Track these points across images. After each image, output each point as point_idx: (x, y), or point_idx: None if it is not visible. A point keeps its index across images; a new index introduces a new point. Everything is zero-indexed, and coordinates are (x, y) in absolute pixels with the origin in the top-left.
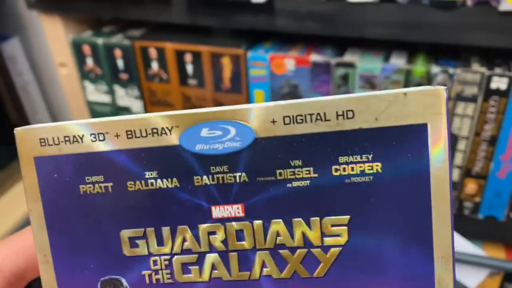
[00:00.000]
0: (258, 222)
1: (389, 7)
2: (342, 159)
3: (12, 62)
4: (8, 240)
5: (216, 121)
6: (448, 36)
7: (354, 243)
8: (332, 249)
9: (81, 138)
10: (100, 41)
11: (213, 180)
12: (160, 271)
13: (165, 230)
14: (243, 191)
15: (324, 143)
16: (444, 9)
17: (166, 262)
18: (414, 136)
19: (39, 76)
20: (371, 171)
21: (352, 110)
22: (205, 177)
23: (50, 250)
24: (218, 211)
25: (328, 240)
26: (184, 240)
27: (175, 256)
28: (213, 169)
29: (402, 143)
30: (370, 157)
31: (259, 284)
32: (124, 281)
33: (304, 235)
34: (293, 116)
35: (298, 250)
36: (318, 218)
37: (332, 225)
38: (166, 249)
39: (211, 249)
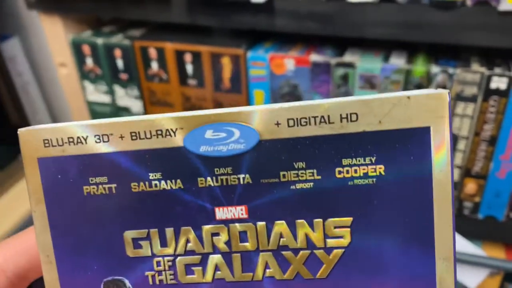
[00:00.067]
0: (261, 224)
1: (389, 7)
2: (345, 161)
3: (12, 62)
4: (10, 240)
5: (220, 123)
6: (448, 36)
7: (356, 244)
8: (335, 251)
9: (85, 140)
10: (100, 41)
11: (217, 181)
12: (163, 272)
13: (169, 231)
14: (246, 193)
15: (328, 145)
16: (444, 9)
17: (170, 263)
18: (417, 139)
19: (39, 76)
20: (374, 174)
21: (356, 113)
22: (209, 178)
23: (53, 250)
24: (221, 213)
25: (331, 242)
26: (187, 241)
27: (179, 257)
28: (217, 171)
29: (405, 146)
30: (373, 159)
31: (262, 285)
32: (127, 281)
33: (307, 236)
34: (297, 118)
35: (301, 252)
36: (321, 220)
37: (335, 227)
38: (170, 250)
39: (215, 250)
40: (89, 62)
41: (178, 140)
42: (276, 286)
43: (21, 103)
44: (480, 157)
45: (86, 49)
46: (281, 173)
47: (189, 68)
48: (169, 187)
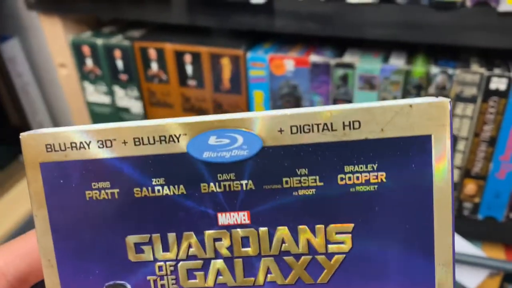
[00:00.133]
0: (263, 229)
1: (388, 8)
2: (347, 168)
3: (11, 63)
4: (11, 244)
5: (224, 129)
6: (447, 36)
7: (357, 250)
8: (336, 256)
9: (88, 145)
10: (99, 41)
11: (219, 187)
12: (165, 277)
13: (171, 236)
14: (249, 199)
15: (330, 152)
16: (443, 10)
17: (172, 268)
18: (418, 147)
19: (38, 77)
20: (375, 181)
21: (358, 121)
22: (212, 184)
23: (54, 255)
24: (224, 218)
25: (332, 247)
26: (189, 246)
27: (181, 262)
28: (220, 177)
29: (406, 154)
30: (375, 167)
31: None
32: (129, 286)
33: (308, 242)
34: (300, 125)
35: (303, 257)
36: (323, 226)
37: (337, 233)
38: (172, 254)
39: (217, 255)
40: (89, 62)
41: (181, 146)
42: None
43: (21, 104)
44: (479, 158)
45: (86, 49)
46: (284, 179)
47: (189, 69)
48: (171, 193)
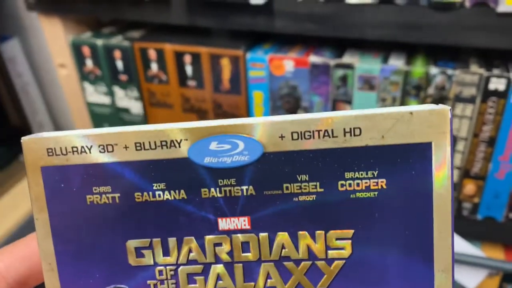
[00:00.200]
0: (263, 235)
1: (387, 8)
2: (348, 175)
3: (11, 63)
4: (11, 247)
5: (225, 135)
6: (446, 37)
7: (357, 256)
8: (336, 262)
9: (89, 149)
10: (99, 42)
11: (220, 192)
12: (165, 281)
13: (171, 241)
14: (249, 204)
15: (331, 159)
16: (443, 10)
17: (172, 272)
18: (418, 154)
19: (38, 77)
20: (376, 187)
21: (359, 128)
22: (212, 189)
23: (55, 258)
24: (224, 223)
25: (332, 253)
26: (190, 250)
27: (181, 267)
28: (220, 182)
29: (407, 161)
30: (375, 173)
31: None
32: None
33: (308, 247)
34: (301, 131)
35: (303, 262)
36: (323, 232)
37: (337, 239)
38: (172, 259)
39: (217, 260)
40: (89, 63)
41: (182, 151)
42: None
43: (21, 104)
44: (479, 158)
45: (86, 50)
46: (284, 185)
47: (189, 69)
48: (172, 198)
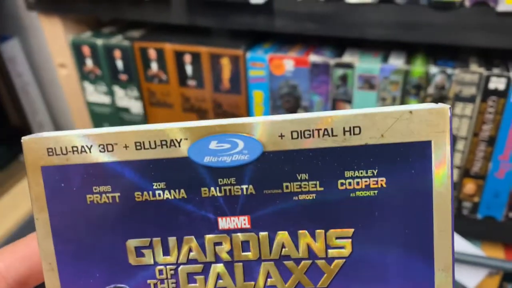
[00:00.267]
0: (263, 234)
1: (387, 8)
2: (347, 173)
3: (11, 63)
4: (11, 247)
5: (224, 134)
6: (446, 36)
7: (357, 255)
8: (336, 261)
9: (89, 149)
10: (99, 42)
11: (220, 192)
12: (165, 281)
13: (171, 240)
14: (249, 203)
15: (331, 158)
16: (442, 10)
17: (172, 272)
18: (418, 153)
19: (38, 77)
20: (375, 186)
21: (359, 127)
22: (212, 188)
23: (55, 258)
24: (224, 222)
25: (332, 252)
26: (190, 250)
27: (181, 266)
28: (220, 181)
29: (406, 160)
30: (375, 172)
31: None
32: None
33: (308, 246)
34: (300, 130)
35: (303, 261)
36: (323, 231)
37: (337, 238)
38: (172, 258)
39: (217, 259)
40: (89, 63)
41: (182, 151)
42: None
43: (21, 104)
44: (479, 157)
45: (86, 50)
46: (284, 184)
47: (189, 69)
48: (172, 197)
